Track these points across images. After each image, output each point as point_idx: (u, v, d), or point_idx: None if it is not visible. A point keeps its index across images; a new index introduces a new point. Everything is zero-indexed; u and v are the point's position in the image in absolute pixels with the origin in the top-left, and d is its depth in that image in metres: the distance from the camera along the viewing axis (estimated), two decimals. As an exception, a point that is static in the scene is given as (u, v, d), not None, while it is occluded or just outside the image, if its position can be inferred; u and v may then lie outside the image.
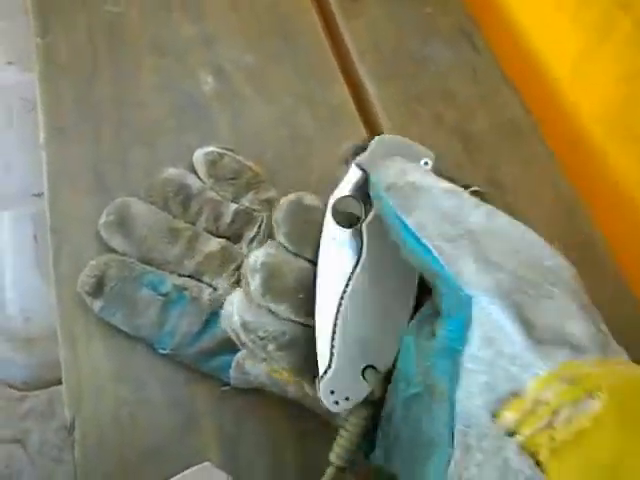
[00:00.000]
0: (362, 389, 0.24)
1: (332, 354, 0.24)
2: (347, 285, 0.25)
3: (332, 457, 0.25)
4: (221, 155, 0.35)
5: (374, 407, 0.25)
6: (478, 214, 0.22)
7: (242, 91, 0.41)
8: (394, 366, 0.24)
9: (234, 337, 0.29)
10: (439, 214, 0.21)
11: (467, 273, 0.20)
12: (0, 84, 0.49)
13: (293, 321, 0.27)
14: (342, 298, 0.25)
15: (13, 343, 0.40)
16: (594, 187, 0.44)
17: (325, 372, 0.24)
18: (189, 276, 0.32)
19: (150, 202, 0.34)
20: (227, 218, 0.33)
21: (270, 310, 0.28)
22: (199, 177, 0.35)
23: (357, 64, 0.46)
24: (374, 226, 0.25)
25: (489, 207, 0.22)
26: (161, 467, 0.29)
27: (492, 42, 0.48)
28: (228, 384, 0.31)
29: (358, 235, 0.26)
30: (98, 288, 0.31)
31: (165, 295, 0.31)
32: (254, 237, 0.33)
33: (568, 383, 0.17)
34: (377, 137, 0.27)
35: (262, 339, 0.27)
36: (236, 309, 0.28)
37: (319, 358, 0.25)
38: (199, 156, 0.35)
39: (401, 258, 0.24)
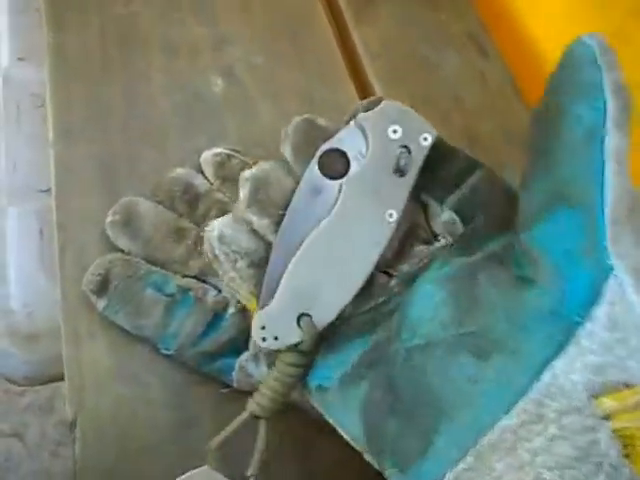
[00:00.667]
0: (293, 335, 0.24)
1: (275, 291, 0.25)
2: (311, 231, 0.25)
3: (250, 404, 0.25)
4: (229, 156, 0.35)
5: (304, 358, 0.25)
6: None
7: (251, 93, 0.41)
8: (355, 314, 0.25)
9: (209, 253, 0.29)
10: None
11: (623, 243, 0.18)
12: (10, 79, 0.49)
13: (269, 243, 0.28)
14: (302, 242, 0.25)
15: (15, 338, 0.40)
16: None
17: (263, 306, 0.25)
18: (194, 277, 0.32)
19: (157, 202, 0.34)
20: (233, 220, 0.33)
21: (252, 227, 0.28)
22: (206, 178, 0.35)
23: (366, 68, 0.46)
24: (354, 183, 0.26)
25: None
26: (160, 465, 0.29)
27: (503, 50, 0.48)
28: (229, 386, 0.31)
29: (337, 188, 0.26)
30: (102, 287, 0.31)
31: (170, 296, 0.31)
32: (260, 239, 0.33)
33: None
34: (384, 102, 0.27)
35: (235, 252, 0.28)
36: (218, 223, 0.29)
37: (263, 290, 0.25)
38: (207, 157, 0.35)
39: (373, 221, 0.25)
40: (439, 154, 0.27)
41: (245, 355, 0.30)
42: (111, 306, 0.31)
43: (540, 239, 0.20)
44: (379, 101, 0.27)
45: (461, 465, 0.18)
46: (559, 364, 0.18)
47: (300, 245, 0.25)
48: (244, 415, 0.25)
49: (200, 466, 0.25)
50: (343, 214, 0.25)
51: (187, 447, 0.30)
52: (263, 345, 0.24)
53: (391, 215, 0.26)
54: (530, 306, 0.19)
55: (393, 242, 0.27)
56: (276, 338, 0.24)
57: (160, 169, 0.35)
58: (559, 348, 0.18)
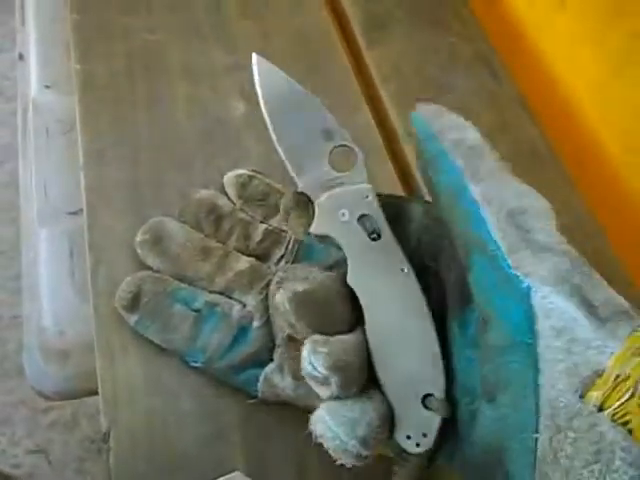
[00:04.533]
0: (432, 420, 0.24)
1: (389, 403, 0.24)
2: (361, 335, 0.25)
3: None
4: (251, 177, 0.37)
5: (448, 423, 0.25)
6: (510, 193, 0.23)
7: (270, 116, 0.43)
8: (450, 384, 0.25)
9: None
10: (498, 190, 0.22)
11: (526, 263, 0.20)
12: (39, 107, 0.51)
13: None
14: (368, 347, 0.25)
15: (46, 354, 0.41)
16: (614, 215, 0.44)
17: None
18: (220, 293, 0.34)
19: (183, 222, 0.36)
20: (256, 238, 0.35)
21: None
22: (230, 198, 0.37)
23: (380, 90, 0.48)
24: (357, 275, 0.26)
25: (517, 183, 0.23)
26: (190, 474, 0.31)
27: (513, 70, 0.49)
28: (255, 397, 0.32)
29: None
30: (134, 303, 0.33)
31: (197, 311, 0.33)
32: (282, 256, 0.35)
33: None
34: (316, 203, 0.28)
35: None
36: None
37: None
38: (230, 178, 0.37)
39: (396, 286, 0.25)
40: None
41: (270, 367, 0.31)
42: (142, 321, 0.32)
43: (473, 283, 0.23)
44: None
45: None
46: (542, 381, 0.20)
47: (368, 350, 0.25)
48: None
49: (231, 472, 0.26)
50: (371, 302, 0.26)
51: (216, 458, 0.31)
52: (423, 449, 0.24)
53: (403, 269, 0.26)
54: (493, 345, 0.22)
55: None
56: (425, 435, 0.24)
57: (185, 190, 0.37)
58: (534, 369, 0.20)
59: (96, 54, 0.45)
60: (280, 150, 0.28)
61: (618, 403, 0.18)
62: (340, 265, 0.28)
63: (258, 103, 0.30)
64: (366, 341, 0.25)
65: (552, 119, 0.47)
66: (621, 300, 0.20)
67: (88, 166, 0.40)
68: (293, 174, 0.28)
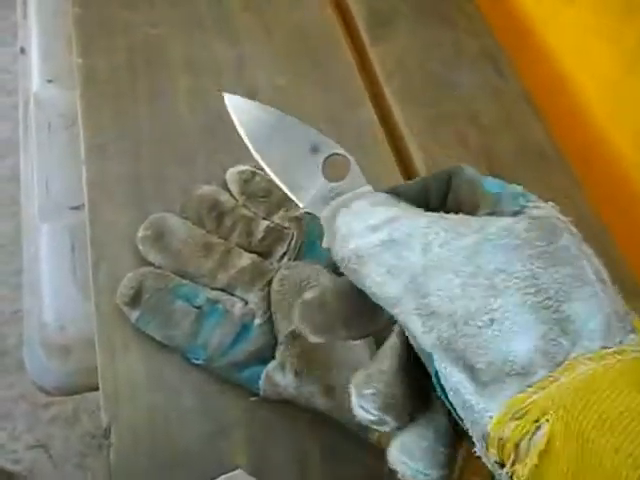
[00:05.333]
0: None
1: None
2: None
3: None
4: (253, 174, 0.37)
5: None
6: (415, 252, 0.21)
7: (273, 112, 0.42)
8: None
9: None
10: (384, 270, 0.21)
11: (418, 334, 0.20)
12: (41, 101, 0.51)
13: None
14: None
15: (48, 350, 0.41)
16: (622, 215, 0.44)
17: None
18: (221, 289, 0.33)
19: (185, 218, 0.35)
20: (259, 234, 0.35)
21: None
22: (232, 195, 0.36)
23: (383, 86, 0.47)
24: None
25: (427, 238, 0.21)
26: (191, 471, 0.30)
27: (518, 66, 0.49)
28: (257, 395, 0.32)
29: None
30: (135, 299, 0.32)
31: (199, 307, 0.32)
32: (284, 254, 0.35)
33: (516, 419, 0.18)
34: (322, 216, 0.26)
35: None
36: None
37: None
38: (232, 174, 0.37)
39: None
40: None
41: (272, 364, 0.31)
42: (143, 317, 0.32)
43: None
44: None
45: None
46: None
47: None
48: None
49: (233, 470, 0.26)
50: None
51: (218, 454, 0.31)
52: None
53: None
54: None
55: None
56: None
57: (187, 186, 0.37)
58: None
59: (98, 48, 0.44)
60: (274, 177, 0.28)
61: (509, 465, 0.18)
62: None
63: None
64: (401, 355, 0.24)
65: (558, 116, 0.47)
66: (516, 358, 0.19)
67: (90, 161, 0.39)
68: (292, 196, 0.28)
